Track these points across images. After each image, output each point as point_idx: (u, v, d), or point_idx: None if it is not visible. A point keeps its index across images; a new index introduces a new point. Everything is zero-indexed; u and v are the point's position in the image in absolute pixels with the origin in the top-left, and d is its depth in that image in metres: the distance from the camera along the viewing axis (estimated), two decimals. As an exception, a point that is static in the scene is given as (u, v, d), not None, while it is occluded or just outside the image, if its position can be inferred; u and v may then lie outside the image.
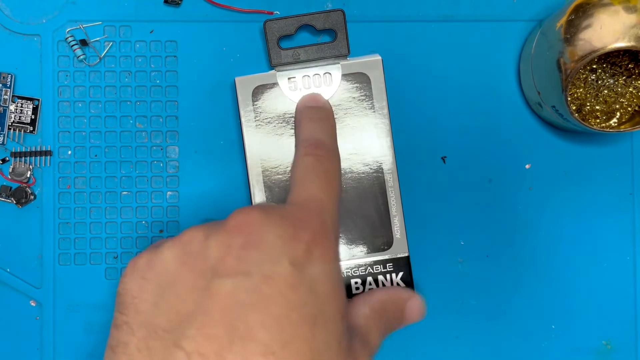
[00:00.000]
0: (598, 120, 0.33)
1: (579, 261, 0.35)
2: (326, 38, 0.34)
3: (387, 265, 0.32)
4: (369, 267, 0.32)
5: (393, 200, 0.33)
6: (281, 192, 0.32)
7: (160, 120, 0.35)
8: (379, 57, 0.33)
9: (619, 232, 0.35)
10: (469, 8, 0.35)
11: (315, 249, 0.25)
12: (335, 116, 0.32)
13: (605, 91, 0.32)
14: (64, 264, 0.34)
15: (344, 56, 0.33)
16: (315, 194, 0.27)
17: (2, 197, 0.34)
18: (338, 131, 0.32)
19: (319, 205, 0.27)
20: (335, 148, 0.31)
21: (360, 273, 0.32)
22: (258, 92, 0.33)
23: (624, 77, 0.32)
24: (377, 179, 0.33)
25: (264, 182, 0.32)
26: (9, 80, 0.34)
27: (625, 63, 0.32)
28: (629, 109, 0.32)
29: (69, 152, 0.34)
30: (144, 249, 0.27)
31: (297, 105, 0.32)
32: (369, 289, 0.32)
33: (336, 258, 0.26)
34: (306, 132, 0.31)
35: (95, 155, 0.34)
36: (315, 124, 0.31)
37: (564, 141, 0.35)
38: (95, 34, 0.34)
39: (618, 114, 0.32)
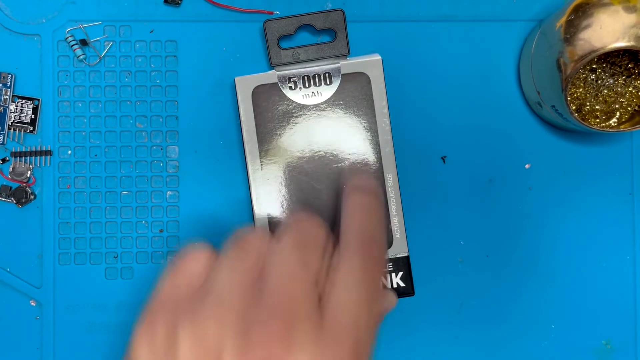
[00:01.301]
0: (598, 120, 0.33)
1: (578, 261, 0.35)
2: (326, 38, 0.34)
3: (387, 265, 0.32)
4: (369, 267, 0.32)
5: (393, 200, 0.33)
6: (281, 192, 0.32)
7: (160, 120, 0.35)
8: (379, 57, 0.33)
9: (618, 232, 0.35)
10: (469, 8, 0.35)
11: None
12: (335, 116, 0.32)
13: (605, 91, 0.32)
14: (64, 264, 0.34)
15: (344, 56, 0.33)
16: (356, 312, 0.24)
17: (2, 197, 0.34)
18: (338, 131, 0.32)
19: (356, 330, 0.24)
20: (384, 247, 0.28)
21: (360, 273, 0.32)
22: (258, 92, 0.33)
23: (623, 77, 0.32)
24: (377, 179, 0.33)
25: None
26: (9, 80, 0.34)
27: (625, 63, 0.32)
28: (629, 108, 0.32)
29: (69, 152, 0.34)
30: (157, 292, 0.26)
31: (348, 184, 0.29)
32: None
33: None
34: (358, 224, 0.27)
35: (95, 155, 0.34)
36: (367, 216, 0.27)
37: (564, 141, 0.35)
38: (95, 33, 0.34)
39: (618, 113, 0.32)
